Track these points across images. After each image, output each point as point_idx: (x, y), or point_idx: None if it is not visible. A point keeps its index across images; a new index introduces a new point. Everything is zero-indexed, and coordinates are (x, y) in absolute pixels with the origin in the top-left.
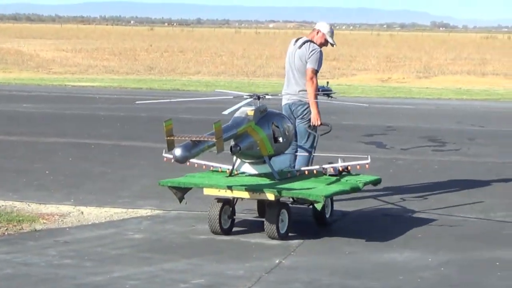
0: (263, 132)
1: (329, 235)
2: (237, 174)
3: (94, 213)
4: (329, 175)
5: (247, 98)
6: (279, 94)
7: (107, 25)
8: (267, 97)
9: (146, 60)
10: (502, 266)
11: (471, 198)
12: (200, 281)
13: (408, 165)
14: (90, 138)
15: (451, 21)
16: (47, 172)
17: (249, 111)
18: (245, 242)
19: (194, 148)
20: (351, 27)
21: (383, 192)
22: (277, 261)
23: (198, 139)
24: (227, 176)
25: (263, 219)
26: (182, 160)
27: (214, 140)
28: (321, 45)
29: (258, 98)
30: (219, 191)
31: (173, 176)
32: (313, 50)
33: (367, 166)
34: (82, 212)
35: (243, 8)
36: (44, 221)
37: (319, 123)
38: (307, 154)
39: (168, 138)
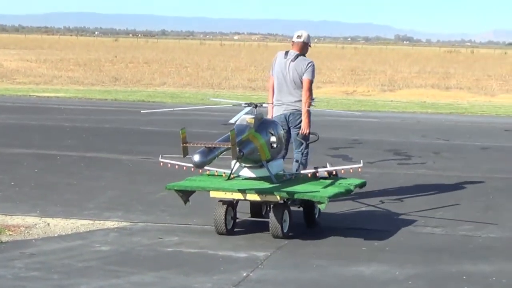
0: (262, 138)
1: (296, 247)
2: (234, 177)
3: (60, 225)
4: (320, 178)
5: (245, 107)
6: (269, 103)
7: (71, 35)
8: (263, 105)
9: (111, 71)
10: (469, 280)
11: (437, 211)
12: None
13: (374, 179)
14: (55, 149)
15: (414, 35)
16: (12, 183)
17: (249, 119)
18: (212, 255)
19: (210, 154)
20: (316, 40)
21: (349, 205)
22: (244, 274)
23: (212, 145)
24: (226, 180)
25: (262, 219)
26: (200, 165)
27: (229, 146)
28: (305, 54)
29: (255, 106)
30: (225, 193)
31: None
32: (309, 63)
33: (359, 169)
34: (48, 224)
35: (208, 20)
36: (10, 233)
37: (307, 132)
38: (304, 159)
39: (184, 145)
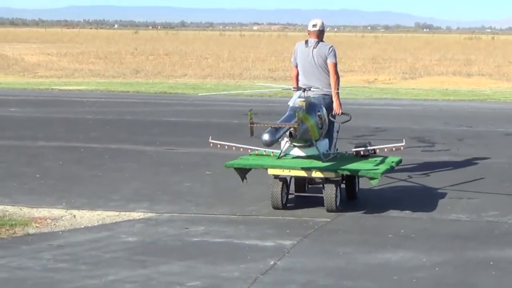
0: (312, 119)
1: (322, 236)
2: (282, 156)
3: (86, 217)
4: (360, 156)
5: (295, 90)
6: (317, 88)
7: (91, 29)
8: (311, 89)
9: (132, 63)
10: (496, 266)
11: (463, 198)
12: (196, 283)
13: (399, 166)
14: (79, 142)
15: (434, 22)
16: (37, 176)
17: (300, 101)
18: (239, 244)
19: (277, 133)
20: (335, 29)
21: (375, 193)
22: (272, 263)
23: (278, 126)
24: (277, 158)
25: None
26: (270, 143)
27: (295, 125)
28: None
29: (304, 90)
30: (283, 171)
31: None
32: (330, 47)
33: (402, 148)
34: (75, 216)
35: (227, 11)
36: (37, 225)
37: (340, 112)
38: (334, 139)
39: (251, 125)
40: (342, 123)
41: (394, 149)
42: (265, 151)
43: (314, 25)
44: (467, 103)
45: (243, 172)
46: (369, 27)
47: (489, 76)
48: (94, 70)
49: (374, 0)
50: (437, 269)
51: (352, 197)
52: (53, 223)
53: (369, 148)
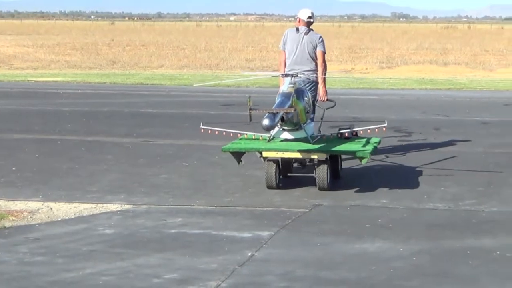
0: (301, 104)
1: (299, 226)
2: (271, 139)
3: (63, 209)
4: (344, 138)
5: (283, 77)
6: (303, 73)
7: (67, 20)
8: (298, 75)
9: (109, 54)
10: (473, 255)
11: (440, 187)
12: (173, 276)
13: (375, 158)
14: (55, 134)
15: (410, 12)
16: (13, 168)
17: (290, 87)
18: (216, 235)
19: (275, 118)
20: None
21: (351, 183)
22: (249, 254)
23: (276, 111)
24: (268, 141)
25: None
26: (270, 128)
27: (292, 110)
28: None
29: (292, 76)
30: (277, 153)
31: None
32: (320, 37)
33: (384, 129)
34: (51, 208)
35: (204, 1)
36: (13, 218)
37: (325, 99)
38: (318, 123)
39: (250, 110)
40: (326, 108)
41: (377, 130)
42: (254, 135)
43: (309, 17)
44: (444, 92)
45: (238, 155)
46: (345, 17)
47: (466, 65)
48: (71, 61)
49: None
50: (414, 258)
51: (337, 176)
52: (29, 216)
53: (353, 130)
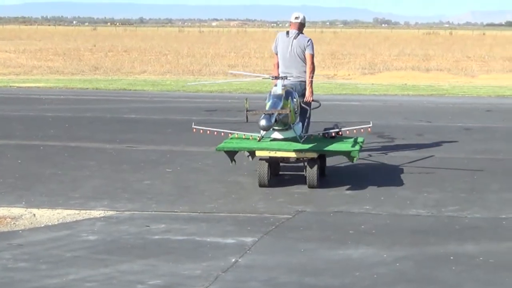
0: (291, 105)
1: (283, 232)
2: (261, 139)
3: (46, 215)
4: (330, 137)
5: (274, 79)
6: (291, 76)
7: (49, 25)
8: (288, 77)
9: (91, 60)
10: (456, 261)
11: (422, 193)
12: (157, 282)
13: (358, 162)
14: (38, 140)
15: (392, 18)
16: None
17: (281, 89)
18: (200, 241)
19: (271, 118)
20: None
21: (334, 188)
22: (233, 260)
23: (271, 112)
24: (258, 141)
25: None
26: (268, 128)
27: (286, 111)
28: (301, 32)
29: (283, 78)
30: (269, 152)
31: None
32: (309, 40)
33: (369, 130)
34: (34, 215)
35: (186, 7)
36: None
37: (311, 99)
38: (305, 123)
39: (247, 112)
40: (312, 109)
41: (362, 130)
42: (244, 134)
43: (296, 18)
44: (426, 98)
45: (231, 154)
46: (327, 23)
47: (448, 71)
48: (53, 67)
49: None
50: (397, 264)
51: (322, 174)
52: (12, 222)
53: (338, 130)
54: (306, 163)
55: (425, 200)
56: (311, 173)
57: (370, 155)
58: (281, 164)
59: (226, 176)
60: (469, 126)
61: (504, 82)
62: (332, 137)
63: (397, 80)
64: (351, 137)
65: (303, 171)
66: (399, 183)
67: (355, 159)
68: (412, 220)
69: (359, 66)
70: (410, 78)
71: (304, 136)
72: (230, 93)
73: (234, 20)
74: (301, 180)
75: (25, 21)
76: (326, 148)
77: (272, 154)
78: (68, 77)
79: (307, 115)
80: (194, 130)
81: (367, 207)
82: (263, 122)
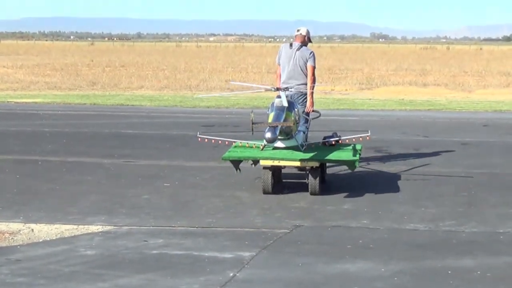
0: (292, 116)
1: (281, 247)
2: (263, 147)
3: (44, 230)
4: (329, 145)
5: (276, 91)
6: (291, 88)
7: (46, 40)
8: (289, 89)
9: (88, 75)
10: (454, 275)
11: (420, 207)
12: None
13: (356, 176)
14: (36, 155)
15: (389, 32)
16: None
17: (284, 101)
18: (198, 256)
19: (276, 131)
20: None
21: (332, 203)
22: (231, 274)
23: (275, 124)
24: (261, 149)
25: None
26: (273, 140)
27: (290, 124)
28: (307, 45)
29: (285, 90)
30: (273, 162)
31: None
32: (311, 52)
33: (368, 138)
34: (33, 230)
35: (183, 22)
36: None
37: (311, 110)
38: (306, 132)
39: (253, 124)
40: (312, 119)
41: (361, 139)
42: (247, 143)
43: (298, 30)
44: (424, 112)
45: (236, 163)
46: (325, 37)
47: (445, 86)
48: (50, 82)
49: (329, 11)
50: (395, 278)
51: (323, 181)
52: (11, 237)
53: (337, 139)
54: (308, 171)
55: (423, 215)
56: (313, 181)
57: (368, 169)
58: (282, 171)
59: (223, 190)
60: (466, 140)
61: (501, 97)
62: (332, 145)
63: (394, 95)
64: (350, 145)
65: (304, 179)
66: (397, 197)
67: (355, 168)
68: (410, 235)
69: (356, 81)
70: (407, 93)
71: (305, 144)
72: (227, 108)
73: (231, 35)
74: (299, 195)
75: (23, 36)
76: (327, 157)
77: (276, 163)
78: (66, 93)
79: (307, 124)
80: (200, 139)
81: (365, 221)
82: (268, 135)
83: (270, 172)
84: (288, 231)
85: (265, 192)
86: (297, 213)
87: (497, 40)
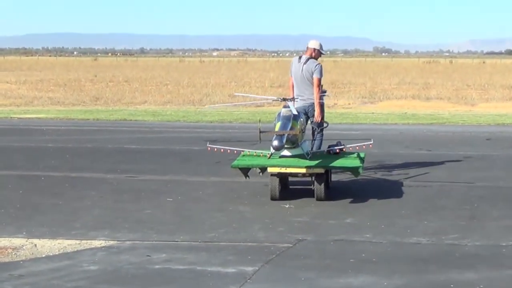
0: (298, 125)
1: (283, 261)
2: (270, 156)
3: (47, 246)
4: (333, 153)
5: (284, 101)
6: (297, 99)
7: (50, 56)
8: (296, 100)
9: (92, 90)
10: None
11: (423, 221)
12: None
13: (359, 190)
14: (39, 170)
15: (392, 46)
16: None
17: (288, 110)
18: (201, 271)
19: (283, 139)
20: (295, 54)
21: (335, 217)
22: None
23: (282, 133)
24: (268, 158)
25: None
26: (280, 148)
27: (296, 132)
28: (317, 58)
29: (291, 100)
30: (280, 169)
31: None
32: (317, 64)
33: (370, 146)
34: (36, 245)
35: (186, 37)
36: None
37: (319, 120)
38: (320, 140)
39: (260, 133)
40: (320, 128)
41: (364, 147)
42: (255, 152)
43: (308, 44)
44: (426, 126)
45: (245, 171)
46: (328, 52)
47: (448, 100)
48: (54, 97)
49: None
50: None
51: (328, 187)
52: (13, 253)
53: (342, 147)
54: (313, 178)
55: (425, 228)
56: (319, 187)
57: (370, 182)
58: (289, 179)
59: (226, 205)
60: (469, 154)
61: (504, 110)
62: (336, 153)
63: (397, 109)
64: (354, 153)
65: (310, 186)
66: (400, 211)
67: (359, 174)
68: (413, 248)
69: (359, 95)
70: (410, 107)
71: (311, 153)
72: (231, 123)
73: (234, 50)
74: (301, 210)
75: (26, 52)
76: (332, 164)
77: (283, 170)
78: (69, 108)
79: (319, 134)
80: (209, 148)
81: (368, 235)
82: (275, 143)
83: (277, 179)
84: (291, 245)
85: (273, 198)
86: (300, 227)
87: (500, 53)
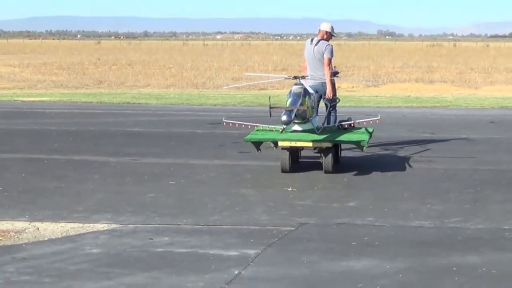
0: (308, 102)
1: (286, 244)
2: (283, 130)
3: (50, 229)
4: (344, 128)
5: (295, 78)
6: (307, 76)
7: (53, 39)
8: (306, 78)
9: (95, 73)
10: (459, 272)
11: (426, 204)
12: None
13: (361, 174)
14: (42, 153)
15: (396, 30)
16: (0, 188)
17: (299, 88)
18: (203, 254)
19: (291, 114)
20: (298, 37)
21: (337, 200)
22: (236, 272)
23: (291, 108)
24: (280, 132)
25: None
26: (288, 122)
27: (304, 108)
28: (329, 40)
29: (303, 77)
30: (290, 143)
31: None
32: (327, 45)
33: (377, 121)
34: (38, 228)
35: (190, 20)
36: (0, 238)
37: (331, 96)
38: (334, 115)
39: (271, 108)
40: (332, 104)
41: (371, 122)
42: (268, 127)
43: (320, 26)
44: (430, 109)
45: (257, 144)
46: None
47: (451, 83)
48: (57, 81)
49: (335, 8)
50: (400, 275)
51: (337, 161)
52: (16, 236)
53: (351, 122)
54: (322, 152)
55: (428, 212)
56: (327, 160)
57: (373, 166)
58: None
59: (229, 188)
60: (472, 137)
61: (508, 93)
62: (345, 129)
63: (400, 92)
64: (362, 128)
65: (319, 159)
66: (402, 194)
67: (364, 148)
68: (415, 232)
69: (362, 78)
70: (413, 90)
71: (321, 128)
72: (234, 106)
73: (238, 33)
74: (304, 193)
75: (30, 35)
76: (338, 138)
77: (293, 144)
78: (72, 91)
79: (334, 109)
80: (224, 123)
81: (370, 219)
82: (284, 118)
83: (288, 153)
84: (294, 228)
85: (283, 171)
86: (303, 211)
87: (504, 36)
